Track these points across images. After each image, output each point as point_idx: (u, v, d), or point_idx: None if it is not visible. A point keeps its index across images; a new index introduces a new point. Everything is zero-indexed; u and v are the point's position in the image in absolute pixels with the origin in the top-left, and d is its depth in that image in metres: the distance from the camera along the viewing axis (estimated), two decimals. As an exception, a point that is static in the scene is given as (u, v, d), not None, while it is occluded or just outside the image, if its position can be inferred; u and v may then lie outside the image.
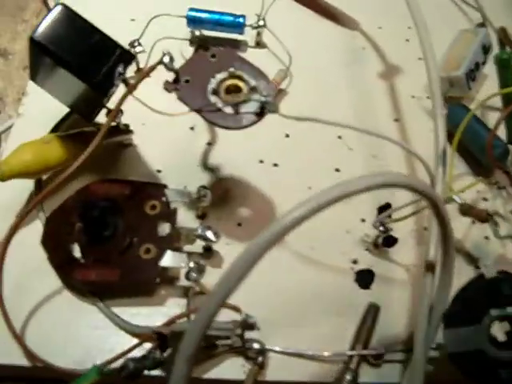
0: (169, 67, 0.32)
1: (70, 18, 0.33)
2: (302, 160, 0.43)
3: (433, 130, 0.38)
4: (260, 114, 0.32)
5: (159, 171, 0.41)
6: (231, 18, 0.46)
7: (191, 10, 0.46)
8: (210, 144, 0.43)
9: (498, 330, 0.30)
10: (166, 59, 0.32)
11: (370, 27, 0.51)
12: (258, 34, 0.47)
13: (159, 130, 0.42)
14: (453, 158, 0.40)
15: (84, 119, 0.37)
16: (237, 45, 0.47)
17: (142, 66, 0.41)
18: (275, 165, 0.42)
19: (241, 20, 0.46)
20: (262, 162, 0.42)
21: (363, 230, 0.40)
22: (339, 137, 0.44)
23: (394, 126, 0.46)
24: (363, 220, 0.41)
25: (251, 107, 0.33)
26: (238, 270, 0.20)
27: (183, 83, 0.33)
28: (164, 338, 0.29)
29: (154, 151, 0.42)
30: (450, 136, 0.44)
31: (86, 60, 0.33)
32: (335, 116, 0.43)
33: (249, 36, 0.48)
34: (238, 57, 0.34)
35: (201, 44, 0.35)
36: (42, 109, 0.40)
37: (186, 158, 0.42)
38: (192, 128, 0.43)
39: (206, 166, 0.42)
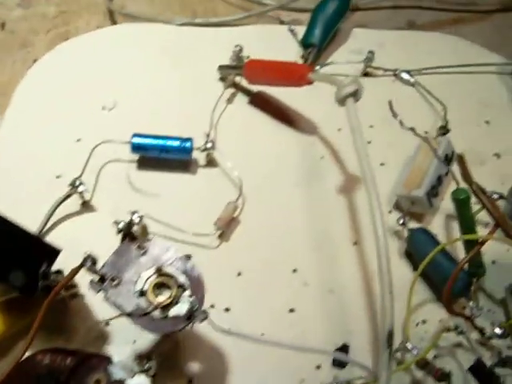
0: (92, 270, 0.31)
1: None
2: (255, 301, 0.41)
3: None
4: (189, 318, 0.31)
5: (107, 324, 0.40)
6: (177, 144, 0.44)
7: (135, 135, 0.44)
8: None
9: None
10: (88, 263, 0.30)
11: (329, 130, 0.48)
12: (208, 154, 0.45)
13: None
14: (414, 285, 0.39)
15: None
16: (187, 166, 0.45)
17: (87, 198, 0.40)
18: (227, 309, 0.41)
19: (187, 145, 0.44)
20: (212, 306, 0.41)
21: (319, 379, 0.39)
22: (294, 270, 0.42)
23: (352, 251, 0.44)
24: (318, 367, 0.39)
25: (180, 309, 0.31)
26: None
27: (109, 282, 0.31)
28: None
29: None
30: (409, 256, 0.43)
31: (6, 262, 0.31)
32: (290, 244, 0.43)
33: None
34: (167, 247, 0.32)
35: (127, 233, 0.33)
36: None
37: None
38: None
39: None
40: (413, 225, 0.45)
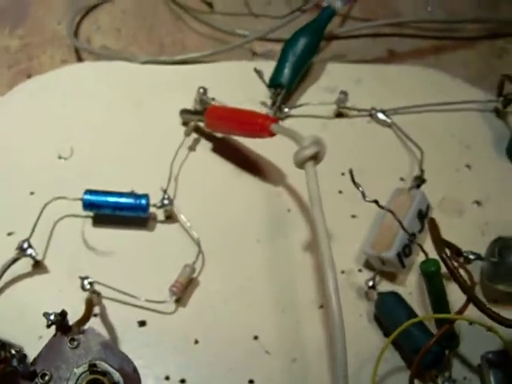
0: (20, 368, 0.28)
1: None
2: (212, 372, 0.39)
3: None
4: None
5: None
6: (132, 201, 0.41)
7: (87, 192, 0.41)
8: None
9: None
10: (14, 362, 0.28)
11: (299, 180, 0.45)
12: (166, 210, 0.42)
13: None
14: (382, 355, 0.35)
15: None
16: (144, 222, 0.43)
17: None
18: (182, 381, 0.38)
19: (143, 202, 0.41)
20: (167, 378, 0.38)
21: None
22: (255, 337, 0.40)
23: (318, 315, 0.41)
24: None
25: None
26: None
27: (39, 379, 0.29)
28: None
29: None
30: (377, 320, 0.40)
31: None
32: (251, 308, 0.40)
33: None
34: (102, 342, 0.30)
35: (60, 325, 0.30)
36: None
37: None
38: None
39: None
40: (384, 284, 0.42)
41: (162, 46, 0.55)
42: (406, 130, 0.49)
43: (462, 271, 0.35)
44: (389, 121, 0.48)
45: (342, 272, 0.43)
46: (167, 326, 0.40)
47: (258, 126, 0.40)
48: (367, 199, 0.36)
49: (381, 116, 0.48)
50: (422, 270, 0.35)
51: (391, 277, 0.42)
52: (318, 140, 0.35)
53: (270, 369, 0.39)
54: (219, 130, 0.44)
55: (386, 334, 0.40)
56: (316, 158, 0.35)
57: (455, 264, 0.35)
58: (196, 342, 0.39)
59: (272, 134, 0.40)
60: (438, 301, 0.36)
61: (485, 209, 0.46)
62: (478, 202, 0.47)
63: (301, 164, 0.35)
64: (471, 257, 0.40)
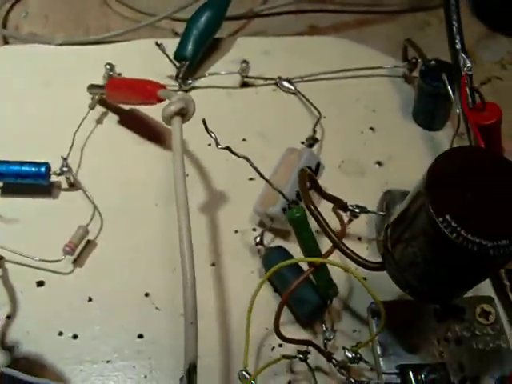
0: None
1: None
2: (103, 327, 0.40)
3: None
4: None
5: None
6: (32, 169, 0.43)
7: (-11, 163, 0.43)
8: (9, 317, 0.41)
9: None
10: None
11: (198, 146, 0.47)
12: (67, 178, 0.44)
13: None
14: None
15: None
16: (48, 191, 0.45)
17: None
18: (75, 336, 0.40)
19: (42, 170, 0.43)
20: (60, 334, 0.40)
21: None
22: (146, 294, 0.41)
23: (209, 273, 0.42)
24: None
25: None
26: None
27: None
28: None
29: None
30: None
31: None
32: (144, 269, 0.42)
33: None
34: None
35: None
36: None
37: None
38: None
39: (3, 346, 0.40)
40: (278, 242, 0.43)
41: (88, 30, 0.58)
42: (311, 96, 0.50)
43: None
44: (293, 88, 0.49)
45: (236, 232, 0.44)
46: (63, 285, 0.41)
47: (148, 92, 0.42)
48: (219, 146, 0.38)
49: (286, 84, 0.50)
50: (287, 217, 0.37)
51: (284, 234, 0.43)
52: (185, 97, 0.37)
53: (159, 324, 0.40)
54: (118, 100, 0.46)
55: (277, 290, 0.41)
56: (184, 114, 0.37)
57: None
58: (90, 299, 0.41)
59: (160, 100, 0.41)
60: (307, 247, 0.37)
61: (386, 169, 0.47)
62: (379, 163, 0.48)
63: (168, 119, 0.37)
64: (356, 210, 0.41)
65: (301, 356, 0.36)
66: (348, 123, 0.49)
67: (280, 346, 0.39)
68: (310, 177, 0.39)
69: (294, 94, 0.50)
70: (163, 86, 0.42)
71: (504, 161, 0.30)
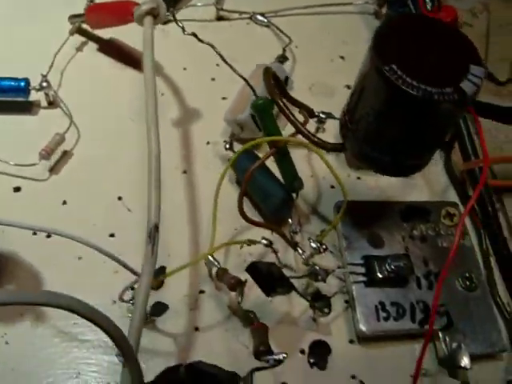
0: None
1: None
2: (78, 229, 0.41)
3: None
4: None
5: None
6: (12, 83, 0.45)
7: (-30, 78, 0.45)
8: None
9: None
10: None
11: (174, 70, 0.49)
12: (46, 94, 0.46)
13: None
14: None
15: None
16: (28, 108, 0.46)
17: None
18: (48, 236, 0.41)
19: (22, 84, 0.44)
20: (35, 233, 0.41)
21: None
22: (119, 198, 0.43)
23: (180, 179, 0.44)
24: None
25: None
26: None
27: None
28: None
29: None
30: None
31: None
32: (118, 176, 0.43)
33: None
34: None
35: None
36: None
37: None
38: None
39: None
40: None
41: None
42: (284, 29, 0.52)
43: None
44: (266, 21, 0.51)
45: (208, 143, 0.45)
46: (39, 190, 0.43)
47: (124, 8, 0.44)
48: (186, 32, 0.39)
49: (259, 17, 0.52)
50: (252, 107, 0.38)
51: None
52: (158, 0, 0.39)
53: (129, 224, 0.41)
54: (98, 23, 0.48)
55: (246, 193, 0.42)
56: (155, 15, 0.38)
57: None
58: (64, 202, 0.42)
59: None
60: (268, 131, 0.38)
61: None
62: (348, 86, 0.49)
63: (140, 19, 0.38)
64: (322, 116, 0.43)
65: (265, 242, 0.37)
66: (319, 52, 0.51)
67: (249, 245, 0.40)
68: (274, 77, 0.40)
69: (267, 26, 0.52)
70: (137, 4, 0.44)
71: (440, 23, 0.32)
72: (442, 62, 0.30)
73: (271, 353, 0.29)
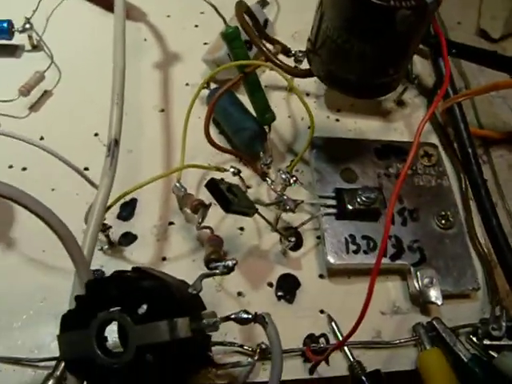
0: None
1: None
2: (52, 161, 0.41)
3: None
4: None
5: None
6: (-5, 24, 0.45)
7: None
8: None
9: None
10: None
11: (158, 17, 0.49)
12: (30, 37, 0.46)
13: None
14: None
15: None
16: (12, 51, 0.47)
17: None
18: (24, 169, 0.41)
19: (5, 25, 0.45)
20: (11, 166, 0.41)
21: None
22: (96, 134, 0.43)
23: (157, 117, 0.44)
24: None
25: None
26: None
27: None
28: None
29: None
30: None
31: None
32: (95, 114, 0.43)
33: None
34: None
35: None
36: None
37: None
38: None
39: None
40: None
41: None
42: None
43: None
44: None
45: (187, 84, 0.45)
46: (18, 126, 0.43)
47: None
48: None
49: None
50: (221, 36, 0.38)
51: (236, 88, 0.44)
52: None
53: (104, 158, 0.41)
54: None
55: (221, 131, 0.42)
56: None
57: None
58: (41, 138, 0.43)
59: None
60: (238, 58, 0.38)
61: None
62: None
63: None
64: (299, 54, 0.42)
65: (233, 170, 0.37)
66: (302, 3, 0.50)
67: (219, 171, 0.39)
68: (249, 13, 0.40)
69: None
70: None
71: None
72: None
73: (221, 261, 0.29)
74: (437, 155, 0.41)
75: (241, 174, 0.37)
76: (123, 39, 0.36)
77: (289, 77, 0.36)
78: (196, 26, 0.48)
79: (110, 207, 0.35)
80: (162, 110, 0.44)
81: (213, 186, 0.32)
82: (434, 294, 0.36)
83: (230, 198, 0.32)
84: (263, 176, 0.38)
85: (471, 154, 0.42)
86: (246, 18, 0.40)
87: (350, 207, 0.37)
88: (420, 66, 0.48)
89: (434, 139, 0.44)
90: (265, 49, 0.36)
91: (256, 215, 0.35)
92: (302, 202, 0.37)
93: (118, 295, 0.27)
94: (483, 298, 0.38)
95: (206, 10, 0.50)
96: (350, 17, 0.30)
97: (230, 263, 0.28)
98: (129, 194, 0.36)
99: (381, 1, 0.28)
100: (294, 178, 0.37)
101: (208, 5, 0.46)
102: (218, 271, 0.28)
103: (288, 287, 0.37)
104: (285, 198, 0.37)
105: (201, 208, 0.34)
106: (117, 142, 0.32)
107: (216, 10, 0.39)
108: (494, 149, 0.48)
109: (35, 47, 0.47)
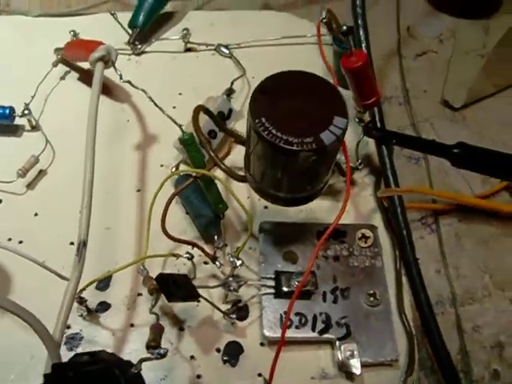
0: None
1: None
2: (47, 238, 0.49)
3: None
4: None
5: None
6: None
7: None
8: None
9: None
10: None
11: (140, 98, 0.56)
12: (29, 120, 0.54)
13: None
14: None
15: None
16: (13, 130, 0.55)
17: None
18: (20, 242, 0.49)
19: (7, 111, 0.53)
20: (10, 239, 0.49)
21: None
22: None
23: (134, 197, 0.51)
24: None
25: None
26: None
27: None
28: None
29: None
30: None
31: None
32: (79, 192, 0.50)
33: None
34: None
35: None
36: None
37: None
38: None
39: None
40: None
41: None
42: (245, 60, 0.58)
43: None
44: (227, 52, 0.57)
45: (162, 165, 0.52)
46: (16, 202, 0.51)
47: (91, 47, 0.51)
48: (121, 80, 0.46)
49: (223, 49, 0.58)
50: (179, 140, 0.44)
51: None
52: (108, 47, 0.46)
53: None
54: (73, 56, 0.56)
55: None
56: (106, 61, 0.46)
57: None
58: (36, 214, 0.50)
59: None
60: (195, 163, 0.45)
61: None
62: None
63: (93, 63, 0.46)
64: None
65: (186, 255, 0.44)
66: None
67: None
68: (207, 112, 0.46)
69: (229, 57, 0.58)
70: (102, 43, 0.51)
71: (314, 77, 0.37)
72: (310, 114, 0.36)
73: (158, 348, 0.37)
74: (373, 237, 0.47)
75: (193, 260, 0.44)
76: (94, 130, 0.42)
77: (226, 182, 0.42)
78: (174, 107, 0.55)
79: (83, 289, 0.42)
80: (139, 190, 0.51)
81: (161, 279, 0.39)
82: (354, 365, 0.42)
83: (172, 290, 0.39)
84: (213, 260, 0.44)
85: (405, 236, 0.47)
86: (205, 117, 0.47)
87: (285, 289, 0.44)
88: (371, 144, 0.54)
89: (378, 220, 0.50)
90: (213, 154, 0.42)
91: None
92: (246, 282, 0.44)
93: (74, 377, 0.34)
94: (405, 367, 0.44)
95: (183, 91, 0.57)
96: (263, 153, 0.36)
97: (162, 351, 0.36)
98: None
99: (284, 144, 0.34)
100: (240, 262, 0.44)
101: (185, 86, 0.53)
102: (153, 357, 0.36)
103: (233, 353, 0.44)
104: (230, 279, 0.44)
105: (155, 293, 0.42)
106: (85, 244, 0.39)
107: (171, 119, 0.45)
108: (444, 217, 0.54)
109: (34, 127, 0.55)
